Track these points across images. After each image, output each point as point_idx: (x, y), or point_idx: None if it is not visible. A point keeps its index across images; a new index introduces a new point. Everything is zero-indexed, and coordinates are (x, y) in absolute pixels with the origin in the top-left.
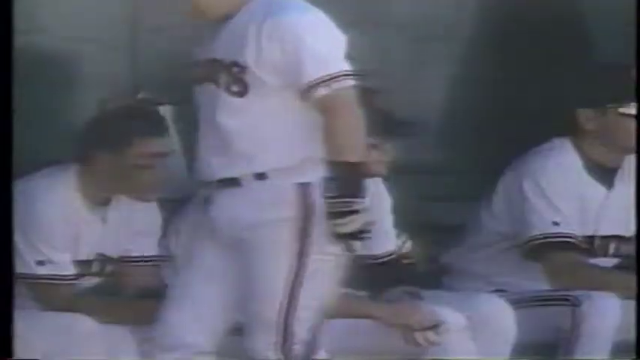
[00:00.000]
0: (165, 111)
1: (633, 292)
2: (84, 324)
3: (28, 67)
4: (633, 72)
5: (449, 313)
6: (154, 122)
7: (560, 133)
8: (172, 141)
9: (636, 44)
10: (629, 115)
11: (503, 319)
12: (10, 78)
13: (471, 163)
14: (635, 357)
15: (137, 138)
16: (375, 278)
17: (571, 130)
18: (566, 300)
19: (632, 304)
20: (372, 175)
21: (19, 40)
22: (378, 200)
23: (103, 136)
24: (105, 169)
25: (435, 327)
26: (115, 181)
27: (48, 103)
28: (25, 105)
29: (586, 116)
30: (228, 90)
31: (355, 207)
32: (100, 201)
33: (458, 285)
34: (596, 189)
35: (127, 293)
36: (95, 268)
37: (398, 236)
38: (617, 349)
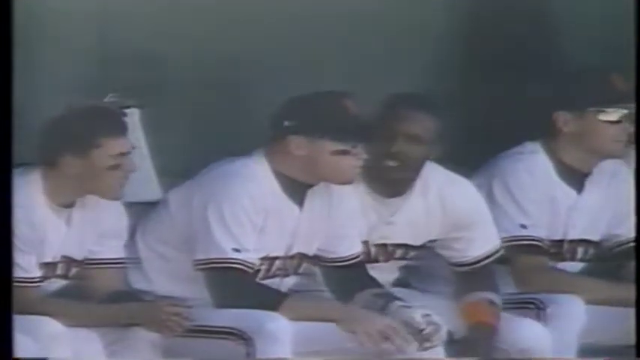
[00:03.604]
0: (133, 113)
1: (598, 296)
2: (50, 326)
3: None
4: (613, 76)
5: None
6: (120, 122)
7: (534, 136)
8: (140, 143)
9: (636, 44)
10: (607, 121)
11: None
12: (10, 78)
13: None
14: (635, 357)
15: (104, 139)
16: (342, 280)
17: (545, 132)
18: (532, 303)
19: (597, 308)
20: (345, 182)
21: None
22: (338, 204)
23: (69, 139)
24: (73, 172)
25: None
26: (84, 183)
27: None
28: None
29: (564, 119)
30: None
31: None
32: (65, 203)
33: (426, 287)
34: (567, 193)
35: (93, 296)
36: (60, 270)
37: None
38: (584, 353)
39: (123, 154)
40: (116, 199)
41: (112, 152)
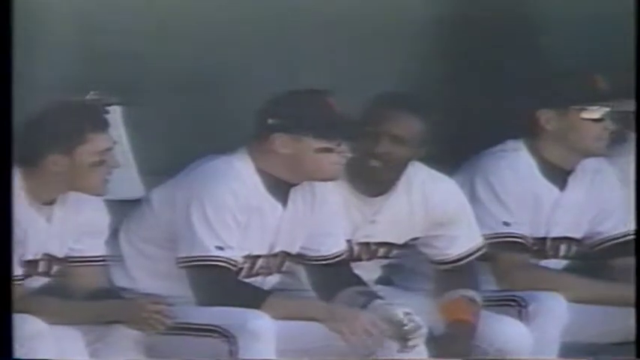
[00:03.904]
0: (115, 111)
1: (580, 294)
2: (32, 324)
3: None
4: (595, 77)
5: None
6: (103, 119)
7: (517, 134)
8: (122, 141)
9: (636, 44)
10: (589, 119)
11: None
12: (9, 76)
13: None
14: (635, 357)
15: (89, 135)
16: (325, 279)
17: (528, 131)
18: (514, 301)
19: (580, 306)
20: (328, 179)
21: None
22: (321, 202)
23: (53, 136)
24: (57, 169)
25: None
26: (68, 180)
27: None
28: None
29: (547, 117)
30: None
31: None
32: (46, 200)
33: (408, 285)
34: (550, 190)
35: (75, 293)
36: (41, 267)
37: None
38: (565, 351)
39: (107, 150)
40: (100, 195)
41: (96, 148)
